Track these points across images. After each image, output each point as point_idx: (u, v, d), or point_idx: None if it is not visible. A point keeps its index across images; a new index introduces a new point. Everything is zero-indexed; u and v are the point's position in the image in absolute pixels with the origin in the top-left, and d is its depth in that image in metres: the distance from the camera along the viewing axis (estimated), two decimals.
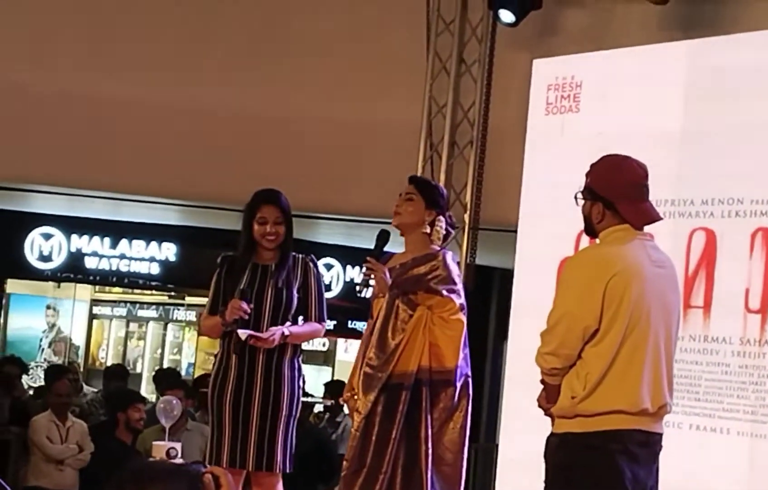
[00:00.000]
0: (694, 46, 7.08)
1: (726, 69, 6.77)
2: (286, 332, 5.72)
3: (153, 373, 17.02)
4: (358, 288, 5.83)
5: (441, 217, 5.50)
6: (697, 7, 8.01)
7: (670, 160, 6.83)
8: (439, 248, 5.49)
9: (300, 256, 5.91)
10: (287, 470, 5.82)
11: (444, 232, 5.52)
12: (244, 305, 5.65)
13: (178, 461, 6.76)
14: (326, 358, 17.04)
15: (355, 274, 15.97)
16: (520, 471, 7.43)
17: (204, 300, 6.13)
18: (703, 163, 6.78)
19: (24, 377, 12.63)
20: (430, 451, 5.24)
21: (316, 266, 5.93)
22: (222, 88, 9.76)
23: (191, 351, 16.99)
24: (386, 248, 5.60)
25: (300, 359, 5.93)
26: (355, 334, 16.29)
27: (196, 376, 15.20)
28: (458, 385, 5.31)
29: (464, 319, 5.32)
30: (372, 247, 5.54)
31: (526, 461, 7.25)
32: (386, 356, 5.29)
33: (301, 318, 5.90)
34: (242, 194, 9.32)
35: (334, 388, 11.94)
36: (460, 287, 5.37)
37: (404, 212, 5.47)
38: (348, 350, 16.76)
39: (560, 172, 7.48)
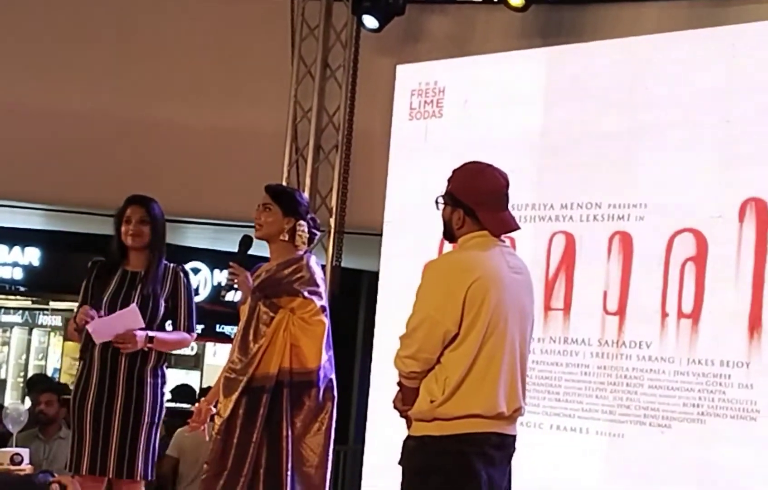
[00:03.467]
0: (553, 54, 7.21)
1: (584, 76, 6.91)
2: (151, 335, 5.70)
3: (20, 379, 16.77)
4: (222, 293, 5.81)
5: (301, 222, 5.52)
6: (556, 15, 8.18)
7: (530, 165, 6.95)
8: (302, 252, 5.51)
9: (171, 265, 5.89)
10: (150, 478, 5.79)
11: (307, 235, 5.54)
12: (91, 312, 5.64)
13: (26, 467, 6.70)
14: (195, 362, 16.95)
15: (222, 278, 15.90)
16: (385, 474, 7.49)
17: (69, 305, 6.08)
18: (563, 168, 6.91)
19: None
20: (290, 453, 5.25)
21: (186, 275, 5.91)
22: (89, 91, 9.66)
23: (57, 356, 16.74)
24: (250, 254, 5.60)
25: (164, 367, 5.90)
26: (223, 338, 16.23)
27: (61, 381, 14.99)
28: (321, 386, 5.32)
29: (326, 320, 5.35)
30: (235, 251, 5.54)
31: (391, 463, 7.32)
32: (248, 359, 5.30)
33: (169, 325, 5.88)
34: (107, 198, 9.23)
35: (183, 393, 11.85)
36: (322, 289, 5.40)
37: (264, 223, 5.48)
38: (216, 354, 16.69)
39: (424, 176, 7.56)
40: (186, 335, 5.89)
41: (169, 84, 9.66)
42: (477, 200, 4.33)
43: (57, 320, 16.73)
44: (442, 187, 7.20)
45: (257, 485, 5.25)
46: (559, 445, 6.66)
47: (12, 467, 6.87)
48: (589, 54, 7.04)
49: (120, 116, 9.65)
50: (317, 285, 5.37)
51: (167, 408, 6.06)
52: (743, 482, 6.00)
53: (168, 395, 11.63)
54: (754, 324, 6.04)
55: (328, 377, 5.38)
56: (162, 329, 5.80)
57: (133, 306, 5.69)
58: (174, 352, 6.31)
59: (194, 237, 13.47)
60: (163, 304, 5.80)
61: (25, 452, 7.03)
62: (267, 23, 9.23)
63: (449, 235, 4.43)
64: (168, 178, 9.67)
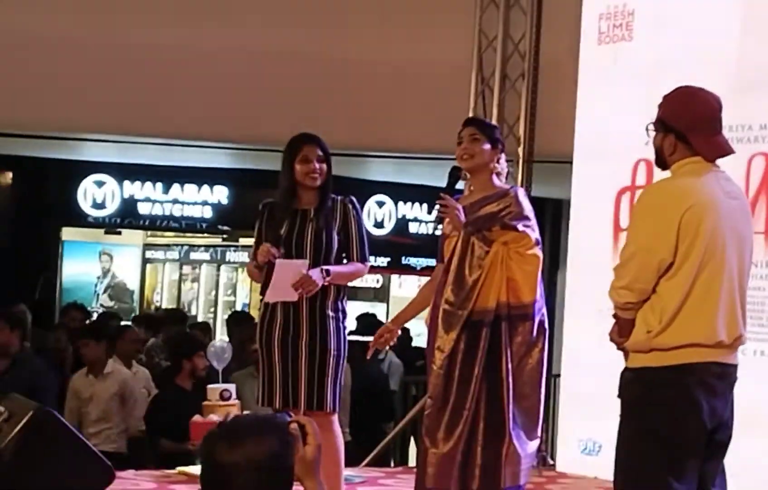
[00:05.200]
0: None
1: None
2: (327, 272, 5.75)
3: (210, 315, 17.17)
4: (434, 226, 5.79)
5: (503, 155, 5.54)
6: None
7: (726, 87, 6.73)
8: (508, 186, 5.51)
9: (339, 197, 5.93)
10: (337, 410, 5.89)
11: (506, 169, 5.56)
12: (273, 250, 5.71)
13: (235, 403, 6.85)
14: (381, 294, 17.09)
15: (407, 210, 16.00)
16: (583, 400, 7.47)
17: None
18: (760, 88, 6.72)
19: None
20: (511, 386, 5.27)
21: (355, 206, 5.95)
22: (270, 30, 9.76)
23: (245, 292, 17.08)
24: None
25: (344, 301, 5.96)
26: (408, 269, 16.35)
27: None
28: (536, 319, 5.33)
29: (540, 254, 5.33)
30: (444, 184, 5.52)
31: (588, 391, 7.30)
32: (465, 293, 5.30)
33: (344, 258, 5.94)
34: (291, 136, 9.39)
35: (367, 322, 11.90)
36: (534, 222, 5.39)
37: (475, 153, 5.47)
38: (402, 286, 16.81)
39: (614, 102, 7.47)
40: (360, 265, 5.94)
41: (350, 20, 9.70)
42: (689, 125, 4.24)
43: (245, 257, 17.03)
44: (632, 113, 7.15)
45: (480, 419, 5.29)
46: (764, 371, 6.52)
47: (221, 403, 7.04)
48: None
49: (302, 54, 9.73)
50: (529, 218, 5.35)
51: (353, 341, 6.11)
52: None
53: (353, 326, 11.80)
54: None
55: (542, 310, 5.37)
56: (338, 261, 5.86)
57: (301, 262, 5.73)
58: (359, 284, 6.37)
59: (378, 170, 13.59)
60: (336, 237, 5.85)
61: (232, 388, 7.19)
62: None
63: (661, 162, 4.35)
64: (351, 113, 9.76)
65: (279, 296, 5.71)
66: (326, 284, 5.73)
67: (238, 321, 10.67)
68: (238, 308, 16.96)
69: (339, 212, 5.87)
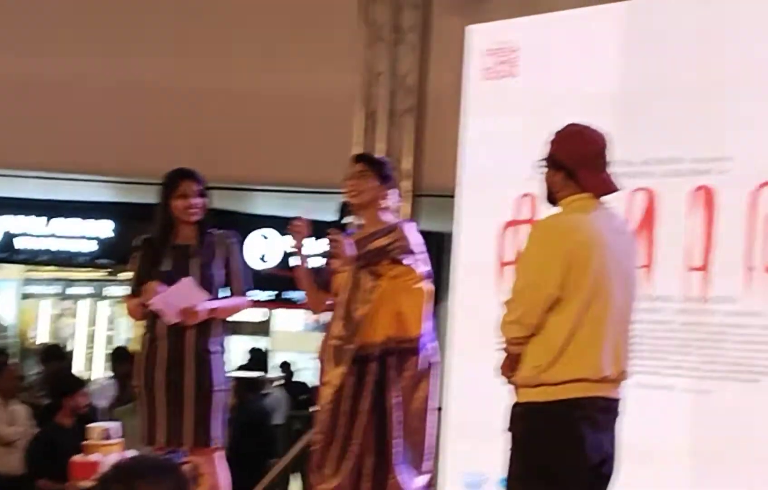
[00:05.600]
0: (630, 8, 7.11)
1: (663, 29, 6.83)
2: (210, 306, 5.75)
3: (89, 349, 16.92)
4: (323, 261, 5.77)
5: (394, 190, 5.57)
6: None
7: (609, 122, 6.81)
8: (397, 220, 5.53)
9: (220, 232, 5.93)
10: (223, 444, 5.85)
11: (397, 204, 5.59)
12: (161, 288, 5.67)
13: (117, 442, 6.73)
14: (262, 328, 17.02)
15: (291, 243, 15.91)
16: (465, 434, 7.49)
17: None
18: (642, 124, 6.84)
19: None
20: (398, 420, 5.27)
21: (237, 240, 5.96)
22: (154, 61, 9.67)
23: (126, 327, 16.87)
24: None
25: (225, 335, 5.95)
26: (290, 303, 16.28)
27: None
28: (423, 353, 5.34)
29: (428, 288, 5.36)
30: (334, 219, 5.54)
31: (470, 424, 7.33)
32: (353, 328, 5.32)
33: (224, 292, 5.93)
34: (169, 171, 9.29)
35: (256, 359, 11.89)
36: (423, 256, 5.41)
37: (364, 190, 5.49)
38: (285, 320, 16.77)
39: (499, 137, 7.54)
40: (242, 298, 5.96)
41: (235, 51, 9.65)
42: (578, 162, 4.31)
43: (126, 291, 16.86)
44: (516, 148, 7.23)
45: (367, 454, 5.28)
46: (645, 403, 6.60)
47: (102, 442, 6.91)
48: (669, 6, 6.94)
49: (189, 85, 9.66)
50: (417, 252, 5.38)
51: (242, 377, 6.12)
52: None
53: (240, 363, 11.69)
54: None
55: (430, 343, 5.39)
56: (219, 297, 5.86)
57: (189, 279, 5.72)
58: (241, 319, 6.38)
59: (263, 204, 13.52)
60: (219, 272, 5.84)
61: (114, 426, 7.07)
62: None
63: (551, 198, 4.41)
64: (237, 146, 9.70)
65: (164, 308, 5.66)
66: (208, 317, 5.72)
67: (120, 357, 10.52)
68: (119, 343, 16.73)
69: (221, 246, 5.85)
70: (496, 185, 7.48)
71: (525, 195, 7.22)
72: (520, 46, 7.51)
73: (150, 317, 5.83)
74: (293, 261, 5.77)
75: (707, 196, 6.52)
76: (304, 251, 5.66)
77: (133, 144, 9.79)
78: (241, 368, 12.45)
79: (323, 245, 5.58)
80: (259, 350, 13.08)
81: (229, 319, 6.02)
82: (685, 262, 6.57)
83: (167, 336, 5.79)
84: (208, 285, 5.80)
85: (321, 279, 5.69)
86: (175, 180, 5.85)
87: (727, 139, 6.44)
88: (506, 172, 7.37)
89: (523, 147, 7.08)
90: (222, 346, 5.90)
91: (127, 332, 16.83)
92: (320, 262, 5.74)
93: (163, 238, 5.86)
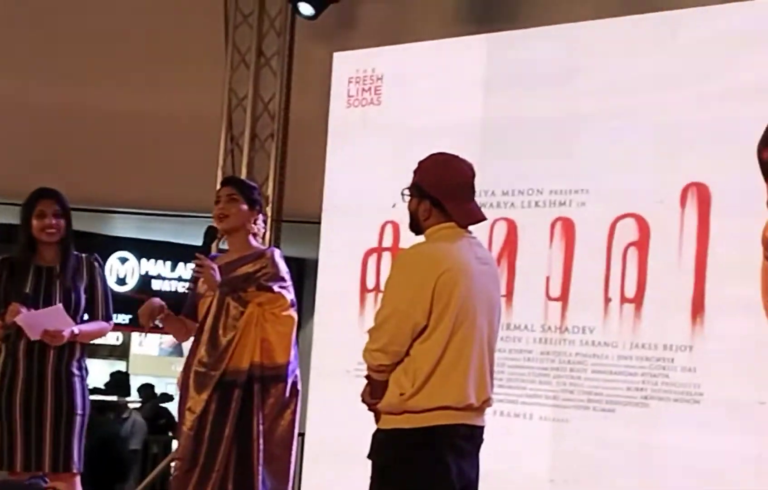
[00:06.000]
0: (492, 40, 7.22)
1: (523, 63, 6.94)
2: (76, 330, 5.68)
3: None
4: (190, 285, 5.68)
5: (260, 215, 5.55)
6: (493, 0, 8.19)
7: (470, 152, 6.87)
8: (264, 246, 5.52)
9: (84, 255, 5.87)
10: (81, 470, 5.78)
11: (263, 229, 5.57)
12: (23, 309, 5.60)
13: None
14: (119, 351, 16.80)
15: (150, 267, 15.75)
16: (327, 460, 7.48)
17: None
18: (503, 154, 6.93)
19: None
20: (261, 448, 5.24)
21: (101, 264, 5.92)
22: (15, 79, 9.51)
23: None
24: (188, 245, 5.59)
25: (85, 359, 5.90)
26: (150, 328, 16.08)
27: None
28: (289, 381, 5.32)
29: (295, 315, 5.34)
30: (200, 243, 5.48)
31: (332, 450, 7.33)
32: (219, 354, 5.27)
33: (86, 316, 5.87)
34: (33, 187, 9.11)
35: (118, 382, 11.76)
36: (289, 283, 5.40)
37: (232, 214, 5.45)
38: (142, 344, 16.56)
39: (362, 164, 7.57)
40: (104, 323, 5.92)
41: (100, 71, 9.54)
42: (444, 192, 4.32)
43: None
44: (380, 176, 7.27)
45: (229, 481, 5.24)
46: (503, 431, 6.68)
47: None
48: (529, 40, 7.06)
49: (47, 102, 9.52)
50: (284, 279, 5.37)
51: (103, 401, 6.06)
52: (687, 464, 6.07)
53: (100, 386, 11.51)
54: (697, 308, 6.11)
55: (295, 371, 5.38)
56: (82, 321, 5.80)
57: (59, 306, 5.65)
58: (99, 342, 6.32)
59: (122, 226, 13.35)
60: (82, 295, 5.78)
61: None
62: (200, 10, 9.15)
63: (415, 227, 4.42)
64: (97, 167, 9.58)
65: (29, 325, 5.57)
66: (71, 340, 5.65)
67: None
68: None
69: (85, 270, 5.79)
70: (360, 212, 7.51)
71: (388, 222, 7.26)
72: (383, 75, 7.56)
73: (9, 338, 5.72)
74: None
75: (566, 228, 6.63)
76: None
77: None
78: (101, 391, 12.28)
79: (189, 269, 5.54)
80: (121, 373, 12.90)
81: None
82: (544, 292, 6.67)
83: (26, 357, 5.69)
84: (70, 308, 5.72)
85: (187, 305, 5.63)
86: (33, 200, 5.76)
87: (584, 173, 6.57)
88: (370, 200, 7.41)
89: (386, 175, 7.12)
90: (83, 369, 5.82)
91: None
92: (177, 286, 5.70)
93: (25, 259, 5.76)
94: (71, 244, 5.83)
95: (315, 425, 7.70)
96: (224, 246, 5.70)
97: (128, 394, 11.89)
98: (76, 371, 5.76)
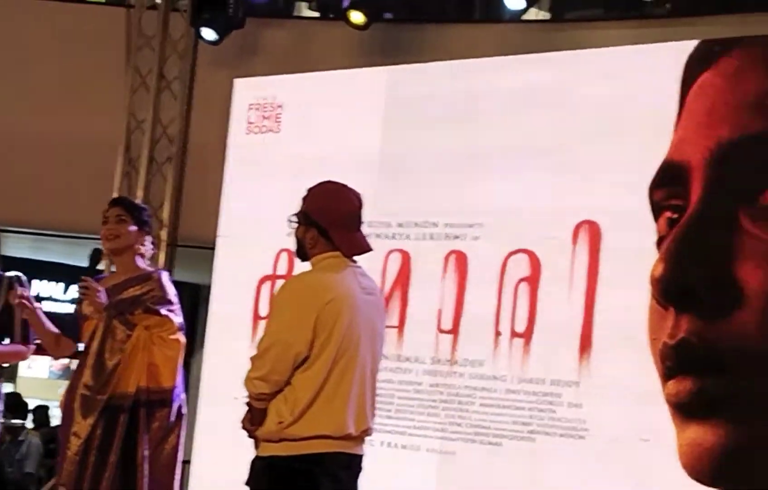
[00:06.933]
0: (392, 73, 7.27)
1: (422, 96, 6.99)
2: None
3: None
4: (77, 308, 5.57)
5: (148, 237, 5.47)
6: (395, 33, 8.26)
7: (367, 182, 6.95)
8: (152, 269, 5.45)
9: (5, 275, 5.74)
10: None
11: (151, 251, 5.50)
12: None
13: None
14: (9, 374, 16.49)
15: (42, 288, 15.55)
16: (214, 488, 7.43)
17: None
18: (400, 186, 6.97)
19: None
20: (146, 473, 5.17)
21: (23, 285, 5.74)
22: None
23: None
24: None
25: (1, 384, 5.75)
26: (40, 350, 15.83)
27: None
28: (175, 405, 5.27)
29: (183, 339, 5.29)
30: (86, 264, 5.39)
31: (220, 478, 7.27)
32: (105, 377, 5.18)
33: (7, 340, 5.73)
34: None
35: (15, 405, 11.53)
36: (177, 306, 5.34)
37: (121, 234, 5.38)
38: (32, 367, 16.27)
39: (260, 191, 7.56)
40: (22, 347, 5.74)
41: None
42: (330, 221, 4.32)
43: None
44: (277, 203, 7.26)
45: None
46: (391, 462, 6.69)
47: None
48: (428, 74, 7.13)
49: None
50: (172, 302, 5.30)
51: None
52: None
53: None
54: (585, 344, 6.18)
55: (180, 395, 5.32)
56: None
57: None
58: None
59: (14, 246, 13.15)
60: None
61: None
62: (103, 31, 9.11)
63: (302, 254, 4.41)
64: None
65: None
66: None
67: None
68: None
69: (2, 290, 5.67)
70: (255, 239, 7.50)
71: (283, 250, 7.25)
72: (283, 103, 7.57)
73: None
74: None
75: (459, 261, 6.68)
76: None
77: None
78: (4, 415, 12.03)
79: (74, 290, 5.44)
80: (16, 394, 12.61)
81: None
82: (436, 324, 6.70)
83: None
84: None
85: (69, 324, 5.54)
86: None
87: (478, 208, 6.63)
88: (266, 227, 7.39)
89: (283, 203, 7.07)
90: None
91: None
92: (70, 308, 5.61)
93: None
94: None
95: (201, 452, 7.63)
96: (114, 268, 5.62)
97: (25, 417, 11.63)
98: None
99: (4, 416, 11.70)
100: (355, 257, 4.41)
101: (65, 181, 9.34)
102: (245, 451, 4.48)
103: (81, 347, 5.43)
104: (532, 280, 6.41)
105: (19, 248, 13.34)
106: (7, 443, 11.37)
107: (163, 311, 5.26)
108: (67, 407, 5.32)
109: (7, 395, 11.81)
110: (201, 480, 7.66)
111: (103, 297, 5.25)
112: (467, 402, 6.53)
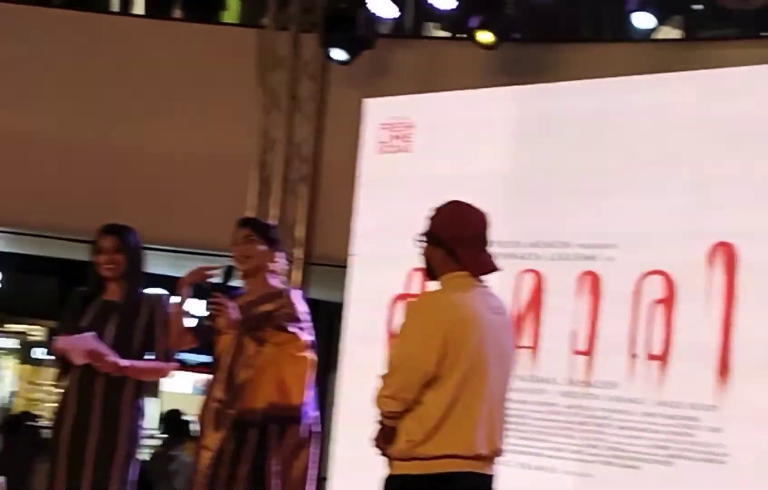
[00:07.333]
0: (523, 92, 7.24)
1: (553, 115, 6.95)
2: (121, 363, 5.65)
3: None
4: (206, 322, 5.66)
5: (281, 255, 5.54)
6: (525, 53, 8.21)
7: (499, 202, 6.93)
8: (283, 286, 5.51)
9: (149, 294, 5.85)
10: None
11: (284, 268, 5.57)
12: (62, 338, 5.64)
13: None
14: (152, 389, 16.78)
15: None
16: None
17: (26, 327, 6.02)
18: (532, 206, 6.93)
19: None
20: (278, 488, 5.23)
21: (165, 304, 5.84)
22: (54, 116, 9.60)
23: (12, 380, 16.54)
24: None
25: (142, 399, 5.83)
26: (183, 366, 16.12)
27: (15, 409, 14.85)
28: (305, 422, 5.31)
29: (312, 356, 5.34)
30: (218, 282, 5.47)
31: None
32: (235, 392, 5.26)
33: (150, 357, 5.83)
34: (69, 223, 9.18)
35: (168, 420, 11.68)
36: (308, 324, 5.39)
37: (251, 255, 5.45)
38: (175, 381, 16.55)
39: (392, 210, 7.58)
40: (163, 363, 5.83)
41: (134, 111, 9.62)
42: (457, 240, 4.32)
43: (13, 343, 16.54)
44: (409, 222, 7.24)
45: None
46: (527, 484, 6.65)
47: None
48: (559, 93, 7.08)
49: (82, 141, 9.60)
50: (302, 320, 5.35)
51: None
52: None
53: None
54: (723, 367, 6.07)
55: (312, 413, 5.36)
56: (140, 359, 5.74)
57: (90, 334, 5.65)
58: None
59: (155, 264, 13.40)
60: (140, 333, 5.74)
61: (1, 480, 6.86)
62: (236, 52, 9.22)
63: (430, 273, 4.42)
64: (130, 204, 9.61)
65: (69, 350, 5.60)
66: (119, 373, 5.61)
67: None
68: (5, 395, 16.40)
69: (147, 308, 5.77)
70: (388, 258, 7.51)
71: (416, 269, 7.25)
72: (414, 122, 7.58)
73: (64, 368, 5.76)
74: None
75: (593, 282, 6.61)
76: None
77: (25, 196, 9.68)
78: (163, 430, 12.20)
79: (206, 307, 5.51)
80: (176, 411, 12.69)
81: None
82: (570, 345, 6.64)
83: (77, 390, 5.70)
84: (124, 345, 5.69)
85: (200, 332, 5.61)
86: (96, 236, 5.82)
87: (612, 228, 6.57)
88: (398, 246, 7.38)
89: (415, 222, 7.08)
90: (134, 408, 5.76)
91: (12, 385, 16.51)
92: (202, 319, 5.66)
93: (92, 292, 5.80)
94: (136, 281, 5.82)
95: (338, 469, 7.69)
96: (246, 286, 5.68)
97: (181, 433, 11.55)
98: (126, 409, 5.73)
99: (167, 433, 11.82)
100: (483, 277, 4.40)
101: (202, 200, 9.48)
102: (380, 469, 4.50)
103: (210, 359, 5.54)
104: (668, 301, 6.31)
105: (160, 265, 13.62)
106: (158, 458, 11.49)
107: (293, 329, 5.32)
108: (201, 421, 5.42)
109: (168, 412, 12.01)
110: None
111: (234, 313, 5.32)
112: (604, 424, 6.46)
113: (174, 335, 5.62)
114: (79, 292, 5.86)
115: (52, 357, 5.78)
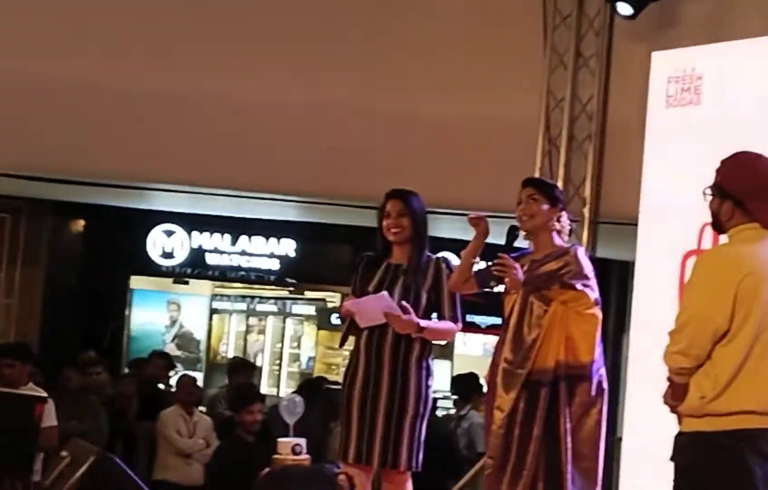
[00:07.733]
0: None
1: None
2: (422, 324, 5.77)
3: (275, 367, 17.17)
4: (492, 283, 5.72)
5: (564, 213, 5.55)
6: None
7: None
8: (568, 244, 5.52)
9: (433, 256, 5.96)
10: (415, 468, 5.86)
11: (568, 227, 5.58)
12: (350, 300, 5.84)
13: (306, 457, 6.81)
14: (445, 351, 17.00)
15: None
16: (645, 464, 7.39)
17: (323, 295, 6.23)
18: None
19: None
20: (569, 447, 5.26)
21: (449, 265, 5.94)
22: (341, 87, 9.83)
23: (310, 345, 17.12)
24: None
25: (430, 359, 5.94)
26: (473, 327, 16.30)
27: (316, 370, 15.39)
28: (594, 380, 5.31)
29: (599, 313, 5.33)
30: (503, 243, 5.54)
31: (650, 454, 7.23)
32: (524, 353, 5.32)
33: (435, 316, 5.94)
34: (359, 190, 9.42)
35: (459, 382, 11.83)
36: (593, 281, 5.39)
37: (535, 214, 5.49)
38: (467, 344, 16.74)
39: (681, 164, 7.43)
40: (452, 324, 5.94)
41: (418, 75, 9.73)
42: (746, 191, 4.23)
43: (311, 310, 17.10)
44: (699, 176, 7.10)
45: (538, 480, 5.28)
46: None
47: (292, 457, 6.94)
48: None
49: (373, 110, 9.79)
50: (588, 277, 5.36)
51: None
52: None
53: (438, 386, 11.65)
54: None
55: (600, 370, 5.35)
56: (427, 319, 5.86)
57: (383, 294, 5.78)
58: None
59: (446, 228, 13.59)
60: (426, 296, 5.85)
61: (303, 442, 7.12)
62: (518, 12, 9.22)
63: (717, 226, 4.35)
64: (421, 171, 9.75)
65: (357, 312, 5.78)
66: (415, 336, 5.75)
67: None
68: (303, 360, 16.97)
69: (431, 270, 5.89)
70: (678, 214, 7.37)
71: (707, 224, 7.06)
72: (704, 74, 7.40)
73: (351, 333, 5.96)
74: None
75: None
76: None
77: (316, 164, 9.97)
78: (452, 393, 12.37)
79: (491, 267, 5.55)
80: (473, 374, 12.74)
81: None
82: None
83: (366, 352, 5.88)
84: (413, 307, 5.82)
85: (481, 278, 5.66)
86: (384, 200, 5.99)
87: None
88: (688, 201, 7.24)
89: (705, 177, 6.94)
90: (423, 368, 5.90)
91: (310, 351, 17.07)
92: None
93: (378, 256, 5.99)
94: (423, 245, 5.96)
95: (632, 430, 7.62)
96: (531, 246, 5.68)
97: (469, 395, 11.59)
98: (414, 370, 5.86)
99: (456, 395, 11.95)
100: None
101: (487, 163, 9.53)
102: (674, 427, 4.45)
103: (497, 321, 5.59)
104: None
105: (451, 230, 13.78)
106: (453, 423, 11.61)
107: (579, 286, 5.32)
108: (490, 382, 5.50)
109: (462, 375, 12.15)
110: (631, 459, 7.64)
111: (519, 274, 5.36)
112: None
113: (459, 277, 5.69)
114: (366, 256, 6.03)
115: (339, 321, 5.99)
